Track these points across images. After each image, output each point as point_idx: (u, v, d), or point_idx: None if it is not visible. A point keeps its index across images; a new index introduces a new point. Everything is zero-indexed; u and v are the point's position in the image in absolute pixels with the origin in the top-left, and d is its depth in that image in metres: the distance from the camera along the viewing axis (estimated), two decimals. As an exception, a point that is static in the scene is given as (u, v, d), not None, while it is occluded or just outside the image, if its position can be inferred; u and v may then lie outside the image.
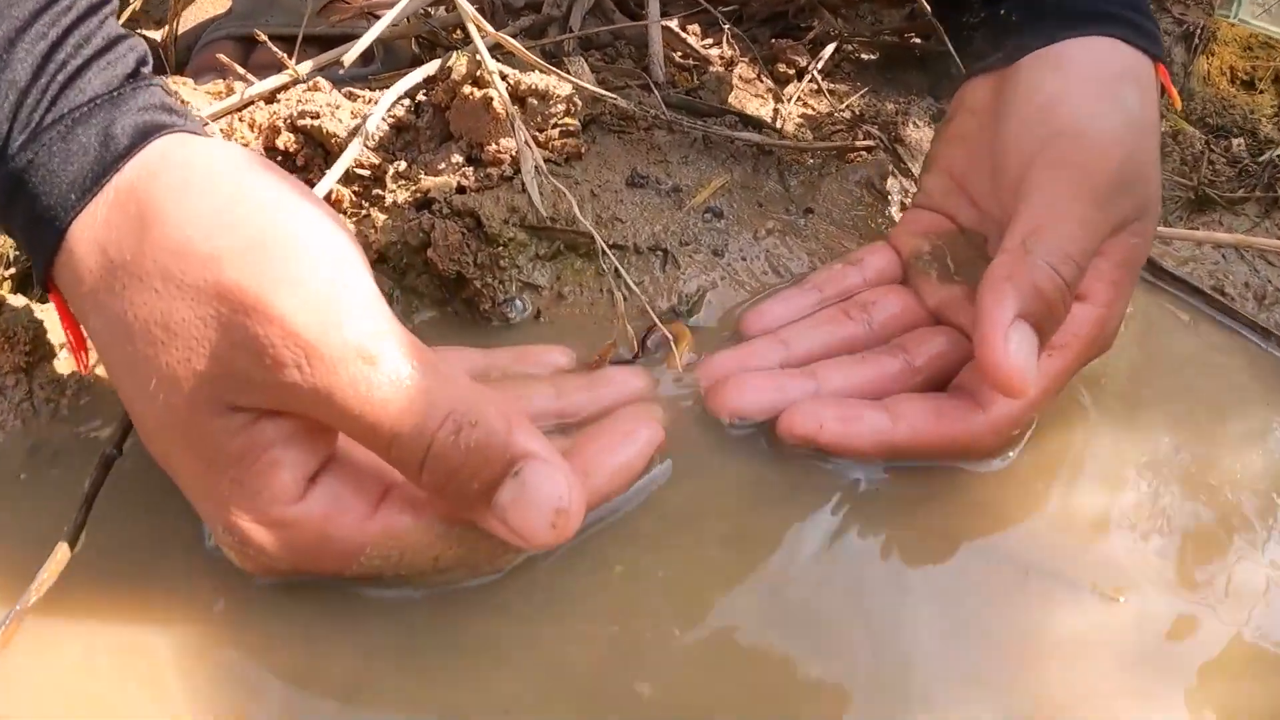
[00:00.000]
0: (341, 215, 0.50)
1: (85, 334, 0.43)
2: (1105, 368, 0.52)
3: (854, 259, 0.55)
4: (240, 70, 0.60)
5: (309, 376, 0.35)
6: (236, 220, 0.37)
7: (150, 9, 0.93)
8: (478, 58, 0.54)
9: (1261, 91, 0.79)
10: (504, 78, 0.54)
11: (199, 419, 0.37)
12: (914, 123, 0.67)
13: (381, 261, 0.51)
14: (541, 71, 0.55)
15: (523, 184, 0.51)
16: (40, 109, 0.39)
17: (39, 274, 0.40)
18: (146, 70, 0.42)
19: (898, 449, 0.46)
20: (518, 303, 0.50)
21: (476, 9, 0.57)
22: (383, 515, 0.38)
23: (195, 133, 0.41)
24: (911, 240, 0.55)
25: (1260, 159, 0.70)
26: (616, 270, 0.48)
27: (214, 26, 0.79)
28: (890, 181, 0.61)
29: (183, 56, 0.79)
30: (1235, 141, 0.74)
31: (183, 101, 0.40)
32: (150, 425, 0.39)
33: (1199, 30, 0.80)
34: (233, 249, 0.36)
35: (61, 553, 0.41)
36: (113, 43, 0.41)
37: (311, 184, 0.55)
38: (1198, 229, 0.62)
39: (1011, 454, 0.48)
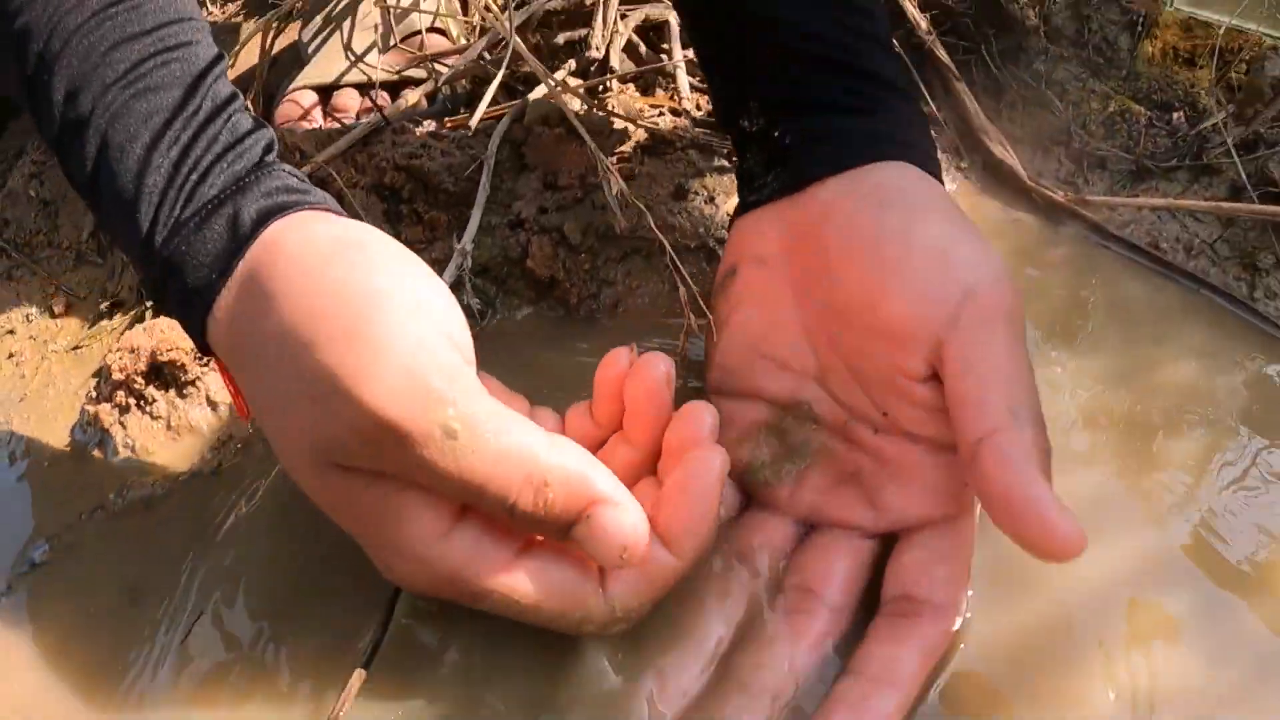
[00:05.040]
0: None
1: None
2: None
3: (745, 530, 0.49)
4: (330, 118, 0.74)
5: (399, 453, 0.39)
6: (332, 310, 0.40)
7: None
8: (551, 101, 0.67)
9: (1201, 67, 0.91)
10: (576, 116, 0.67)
11: (329, 480, 0.42)
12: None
13: (485, 272, 0.64)
14: (597, 110, 0.68)
15: (592, 202, 0.65)
16: (178, 206, 0.45)
17: (197, 344, 0.46)
18: (271, 157, 0.47)
19: None
20: (601, 297, 0.63)
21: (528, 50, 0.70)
22: (511, 573, 0.42)
23: (315, 207, 0.46)
24: (741, 449, 0.50)
25: (1195, 130, 0.83)
26: (675, 265, 0.60)
27: (290, 79, 0.91)
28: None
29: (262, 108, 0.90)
30: (1176, 115, 0.87)
31: (303, 177, 0.48)
32: (298, 479, 0.44)
33: (1142, 18, 0.92)
34: (330, 337, 0.40)
35: (357, 678, 0.45)
36: (240, 138, 0.47)
37: (417, 214, 0.69)
38: (1138, 196, 0.75)
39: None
